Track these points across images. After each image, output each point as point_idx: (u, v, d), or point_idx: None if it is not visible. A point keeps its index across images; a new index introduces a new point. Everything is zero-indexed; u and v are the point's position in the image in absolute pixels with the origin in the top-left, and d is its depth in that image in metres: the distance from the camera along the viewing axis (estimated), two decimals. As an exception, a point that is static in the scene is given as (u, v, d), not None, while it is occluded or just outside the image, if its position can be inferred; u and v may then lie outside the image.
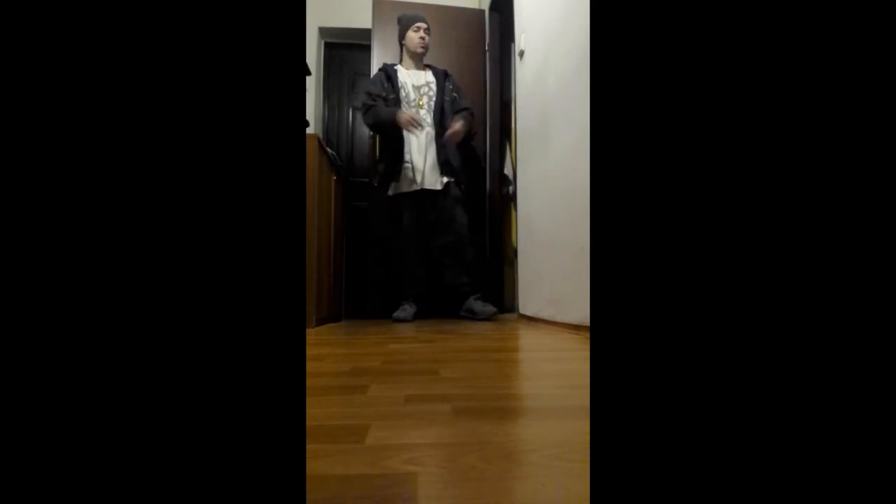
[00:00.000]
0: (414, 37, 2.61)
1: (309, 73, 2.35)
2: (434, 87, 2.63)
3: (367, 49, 3.23)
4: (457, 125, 2.47)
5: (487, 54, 3.06)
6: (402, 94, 2.59)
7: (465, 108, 2.60)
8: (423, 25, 2.63)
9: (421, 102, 2.60)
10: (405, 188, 2.48)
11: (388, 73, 2.61)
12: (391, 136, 2.50)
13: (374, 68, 2.98)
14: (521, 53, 2.45)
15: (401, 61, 2.69)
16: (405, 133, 2.49)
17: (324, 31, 3.55)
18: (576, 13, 1.65)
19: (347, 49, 3.65)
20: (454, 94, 2.65)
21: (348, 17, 3.49)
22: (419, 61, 2.66)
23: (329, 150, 2.35)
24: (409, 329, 1.94)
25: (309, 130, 2.56)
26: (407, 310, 2.47)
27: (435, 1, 3.17)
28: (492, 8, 3.08)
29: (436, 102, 2.60)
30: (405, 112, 2.43)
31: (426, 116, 2.56)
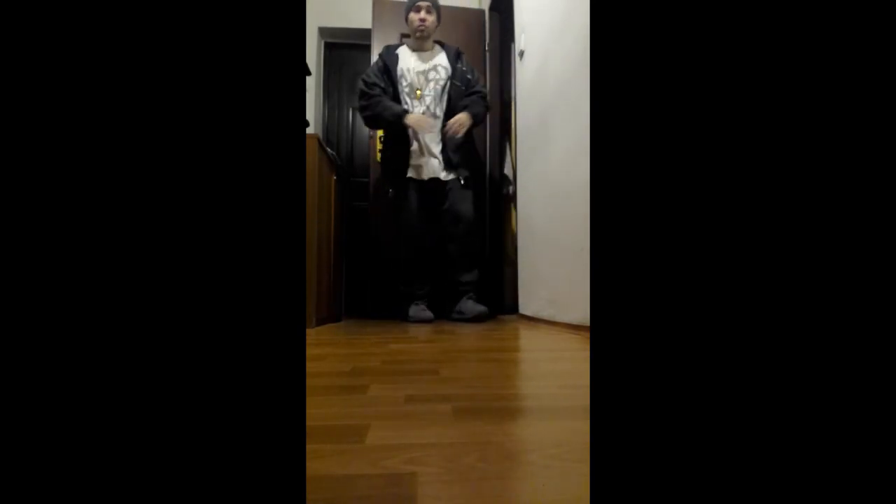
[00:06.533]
0: (413, 18, 2.37)
1: (309, 73, 2.35)
2: (442, 70, 2.39)
3: (367, 49, 3.23)
4: (462, 115, 2.29)
5: (487, 54, 3.06)
6: (403, 84, 2.37)
7: (476, 92, 2.38)
8: (424, 4, 2.37)
9: (419, 92, 2.36)
10: (411, 175, 2.34)
11: (386, 63, 2.39)
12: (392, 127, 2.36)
13: (374, 68, 2.97)
14: (521, 53, 2.45)
15: (407, 44, 2.47)
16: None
17: (324, 31, 3.55)
18: (576, 13, 1.65)
19: (347, 49, 3.65)
20: (468, 77, 2.40)
21: (348, 17, 3.49)
22: (423, 42, 2.42)
23: (329, 150, 2.35)
24: (408, 329, 1.93)
25: (309, 130, 2.56)
26: (425, 310, 2.31)
27: (435, 1, 3.16)
28: (492, 8, 3.08)
29: (446, 87, 2.37)
30: (415, 114, 2.28)
31: (428, 103, 2.35)
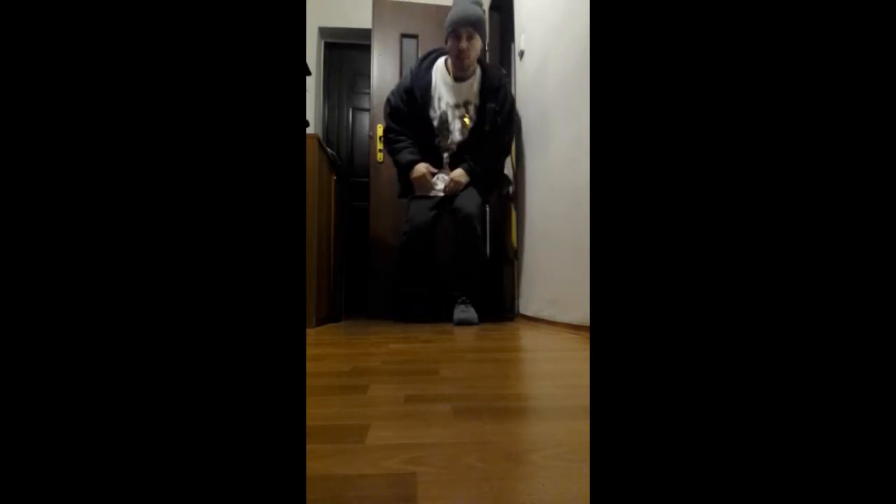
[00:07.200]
0: (453, 47, 2.07)
1: (309, 73, 2.35)
2: (472, 110, 2.16)
3: (367, 49, 3.23)
4: (460, 176, 2.14)
5: (487, 54, 3.06)
6: (433, 113, 2.13)
7: (493, 146, 2.18)
8: (465, 31, 2.02)
9: (460, 124, 2.15)
10: (436, 192, 2.24)
11: (414, 86, 2.11)
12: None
13: (375, 68, 2.96)
14: (521, 53, 2.45)
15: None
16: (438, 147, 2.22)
17: (324, 31, 3.55)
18: (575, 13, 1.65)
19: (347, 49, 3.65)
20: (497, 119, 2.14)
21: (348, 17, 3.49)
22: (464, 72, 2.13)
23: (329, 150, 2.35)
24: (408, 329, 1.93)
25: (309, 130, 2.56)
26: (426, 311, 2.29)
27: (435, 1, 3.16)
28: (492, 8, 3.08)
29: (475, 124, 2.17)
30: (421, 170, 2.13)
31: (459, 136, 2.19)
